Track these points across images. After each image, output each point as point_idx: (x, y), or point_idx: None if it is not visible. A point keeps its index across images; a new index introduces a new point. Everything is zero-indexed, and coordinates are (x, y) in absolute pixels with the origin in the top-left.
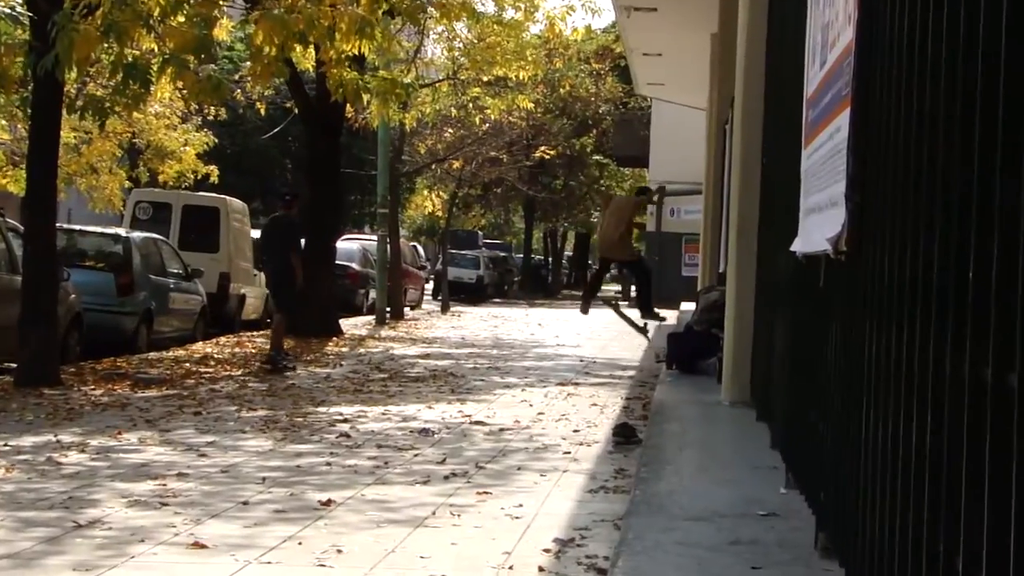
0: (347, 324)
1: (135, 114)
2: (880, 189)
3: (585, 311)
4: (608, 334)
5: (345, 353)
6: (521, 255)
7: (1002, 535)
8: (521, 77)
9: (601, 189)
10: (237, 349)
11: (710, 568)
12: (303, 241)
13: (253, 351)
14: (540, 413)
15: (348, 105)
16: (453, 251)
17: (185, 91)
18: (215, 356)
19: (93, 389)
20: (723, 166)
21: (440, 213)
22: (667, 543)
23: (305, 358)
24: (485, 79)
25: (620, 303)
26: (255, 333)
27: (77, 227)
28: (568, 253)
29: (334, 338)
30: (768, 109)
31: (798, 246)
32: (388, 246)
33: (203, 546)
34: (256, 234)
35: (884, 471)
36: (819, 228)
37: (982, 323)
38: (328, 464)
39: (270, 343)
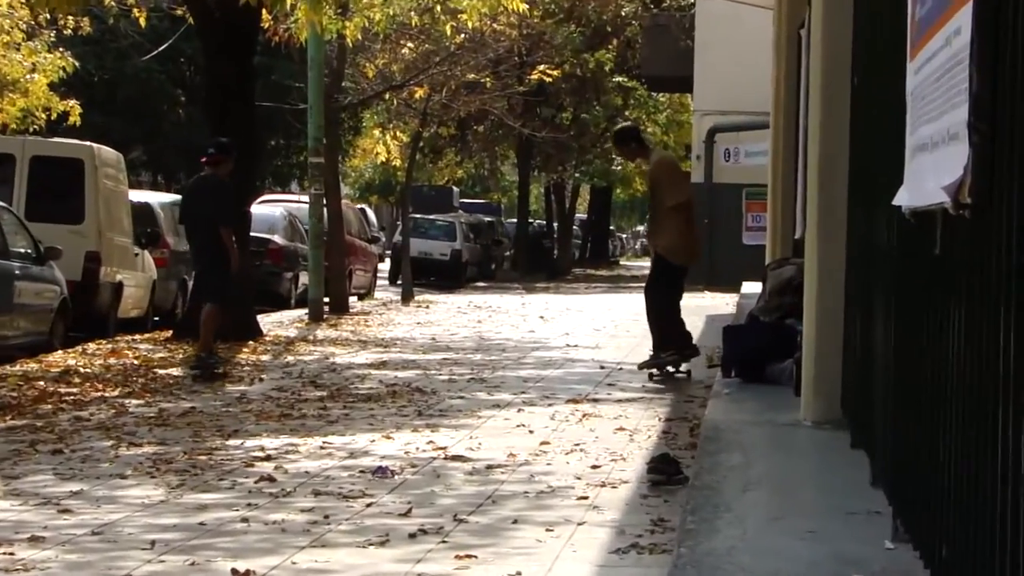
0: (268, 322)
1: None
2: (1019, 115)
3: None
4: (639, 330)
5: (267, 363)
6: (514, 220)
7: None
8: None
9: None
10: (113, 360)
11: None
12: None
13: (136, 362)
14: (544, 443)
15: (264, 11)
16: (417, 216)
17: None
18: (81, 370)
19: None
20: (798, 88)
21: (398, 162)
22: None
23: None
24: None
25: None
26: (139, 337)
27: None
28: (581, 216)
29: (250, 342)
30: (859, 6)
31: (904, 199)
32: (325, 211)
33: None
34: (138, 197)
35: None
36: (932, 172)
37: None
38: (244, 520)
39: (200, 341)
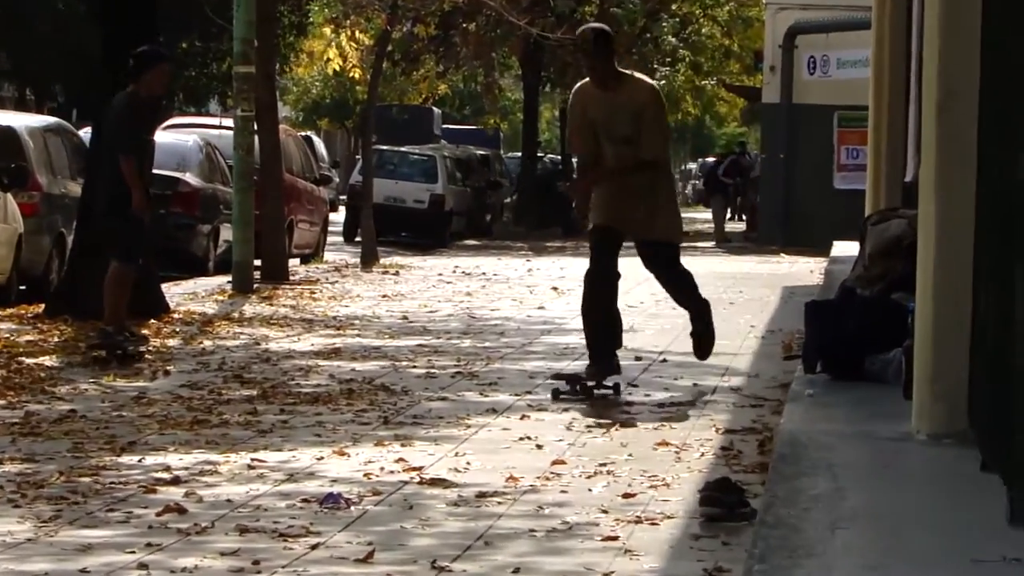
0: (177, 293)
1: None
2: None
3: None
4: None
5: (175, 350)
6: (518, 154)
7: None
8: None
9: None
10: None
11: None
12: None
13: None
14: (558, 463)
15: None
16: (384, 148)
17: None
18: None
19: None
20: None
21: (358, 73)
22: None
23: (94, 366)
24: None
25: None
26: (0, 312)
27: None
28: None
29: (152, 320)
30: None
31: None
32: (256, 140)
33: None
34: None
35: None
36: None
37: None
38: (143, 567)
39: (106, 311)
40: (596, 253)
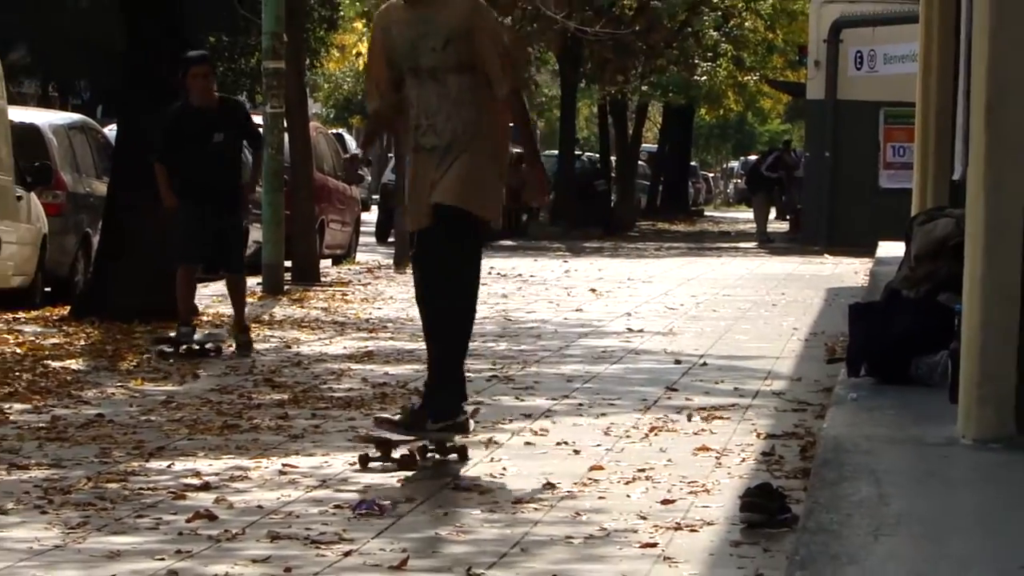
0: (205, 295)
1: None
2: None
3: None
4: (731, 309)
5: (209, 352)
6: (555, 152)
7: None
8: None
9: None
10: None
11: None
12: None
13: (19, 351)
14: (596, 468)
15: None
16: None
17: None
18: None
19: None
20: None
21: None
22: None
23: (123, 366)
24: None
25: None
26: (23, 315)
27: None
28: (650, 147)
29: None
30: None
31: None
32: (286, 138)
33: None
34: (21, 116)
35: None
36: None
37: None
38: (173, 574)
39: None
40: None
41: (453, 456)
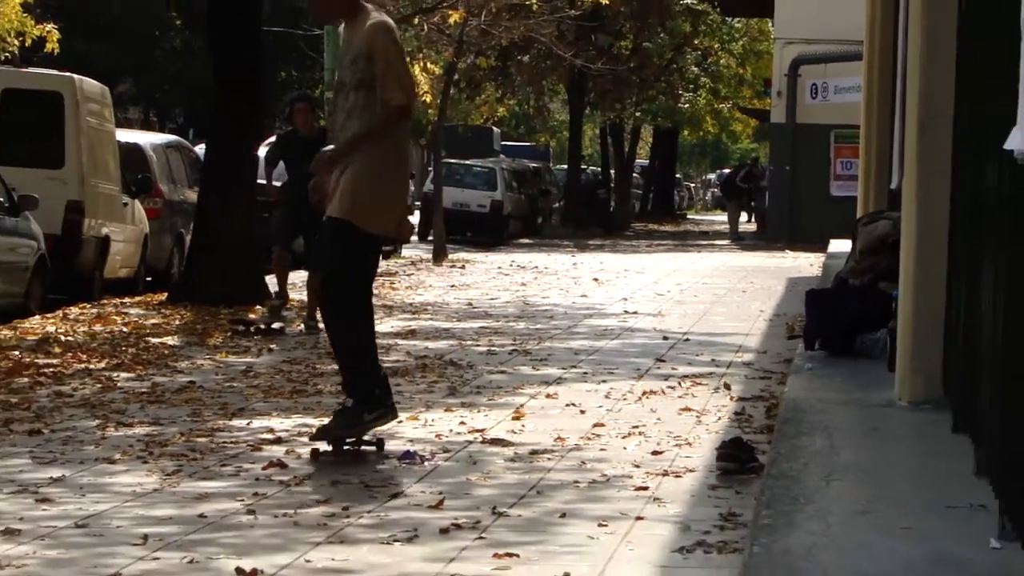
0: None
1: None
2: None
3: None
4: (709, 295)
5: (275, 331)
6: (565, 166)
7: None
8: None
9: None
10: (99, 327)
11: None
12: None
13: (125, 330)
14: (598, 425)
15: None
16: (452, 161)
17: None
18: (62, 339)
19: None
20: (896, 13)
21: (429, 98)
22: None
23: (211, 342)
24: None
25: None
26: (128, 300)
27: None
28: (643, 162)
29: (257, 306)
30: None
31: (1017, 142)
32: None
33: None
34: (127, 137)
35: None
36: None
37: None
38: (251, 512)
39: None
40: None
41: (371, 448)
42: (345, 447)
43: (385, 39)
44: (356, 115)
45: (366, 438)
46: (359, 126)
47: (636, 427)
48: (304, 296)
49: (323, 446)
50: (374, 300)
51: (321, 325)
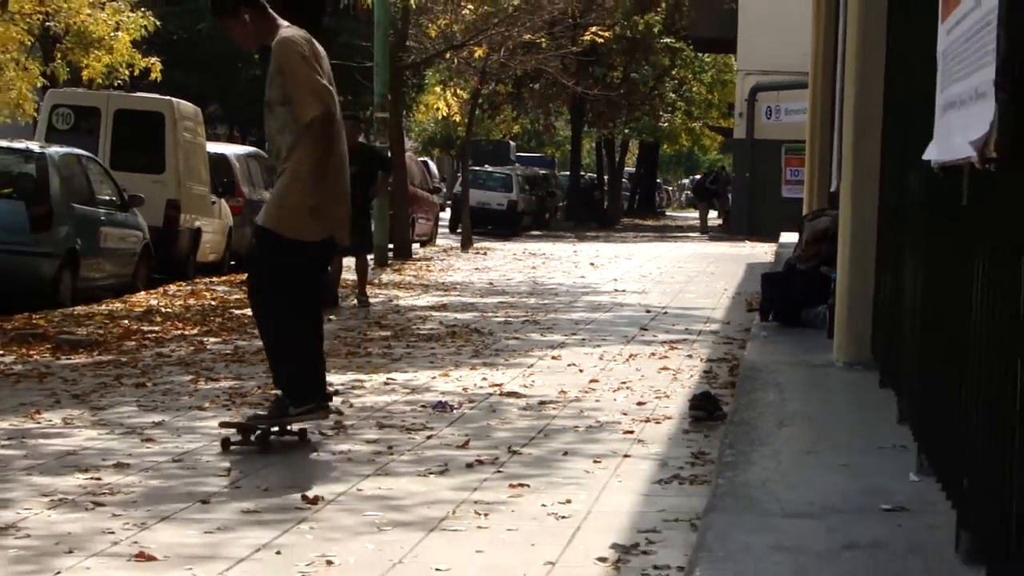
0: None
1: None
2: None
3: None
4: (683, 276)
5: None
6: (567, 173)
7: None
8: None
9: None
10: (192, 301)
11: None
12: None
13: (213, 303)
14: (593, 381)
15: None
16: (476, 168)
17: None
18: (163, 310)
19: (1, 355)
20: (835, 49)
21: (458, 118)
22: (759, 547)
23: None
24: None
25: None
26: (216, 279)
27: None
28: (630, 170)
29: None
30: None
31: (933, 153)
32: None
33: (151, 557)
34: (215, 149)
35: None
36: (960, 128)
37: None
38: (313, 451)
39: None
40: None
41: (292, 438)
42: (261, 435)
43: (287, 53)
44: (288, 130)
45: (291, 428)
46: (290, 139)
47: (624, 383)
48: (355, 278)
49: (234, 434)
50: (414, 280)
51: (372, 300)
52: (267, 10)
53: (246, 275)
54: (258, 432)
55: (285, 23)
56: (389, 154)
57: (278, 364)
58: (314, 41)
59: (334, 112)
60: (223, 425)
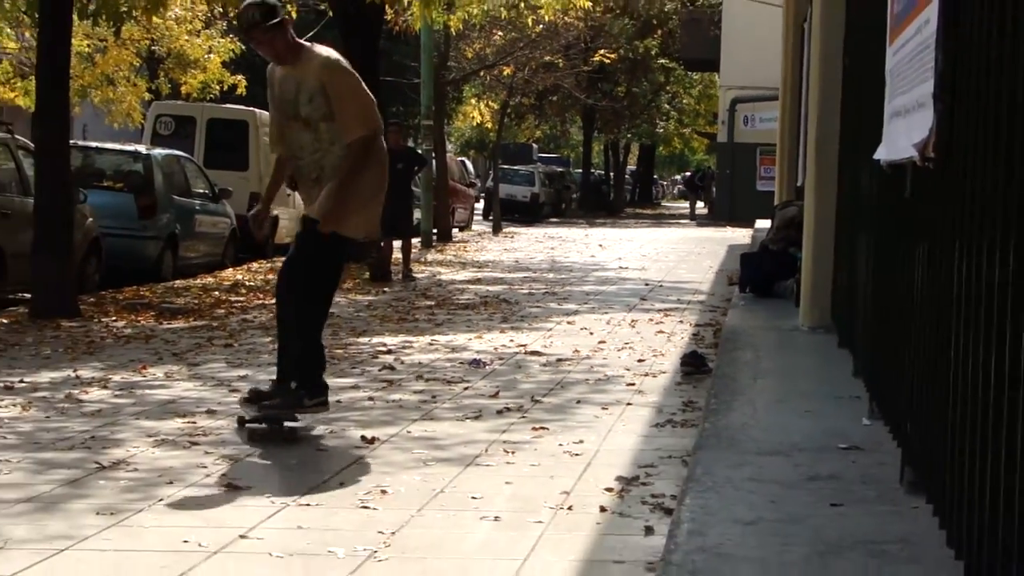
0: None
1: (154, 18)
2: (972, 88)
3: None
4: (676, 256)
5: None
6: (580, 170)
7: None
8: None
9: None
10: (270, 276)
11: (785, 506)
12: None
13: None
14: (601, 342)
15: (387, 6)
16: (505, 166)
17: None
18: (246, 284)
19: (114, 320)
20: (801, 68)
21: (490, 125)
22: (738, 479)
23: (344, 286)
24: None
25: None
26: None
27: (93, 144)
28: (632, 168)
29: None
30: (851, 4)
31: (882, 153)
32: (434, 161)
33: (237, 487)
34: None
35: (974, 403)
36: (905, 133)
37: None
38: (371, 399)
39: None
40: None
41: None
42: (276, 429)
43: (334, 75)
44: (335, 144)
45: (295, 421)
46: (339, 152)
47: (627, 343)
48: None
49: (251, 414)
50: (454, 259)
51: (416, 275)
52: (289, 29)
53: (283, 264)
54: (275, 426)
55: (313, 44)
56: (433, 155)
57: (298, 355)
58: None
59: (380, 132)
60: (243, 421)
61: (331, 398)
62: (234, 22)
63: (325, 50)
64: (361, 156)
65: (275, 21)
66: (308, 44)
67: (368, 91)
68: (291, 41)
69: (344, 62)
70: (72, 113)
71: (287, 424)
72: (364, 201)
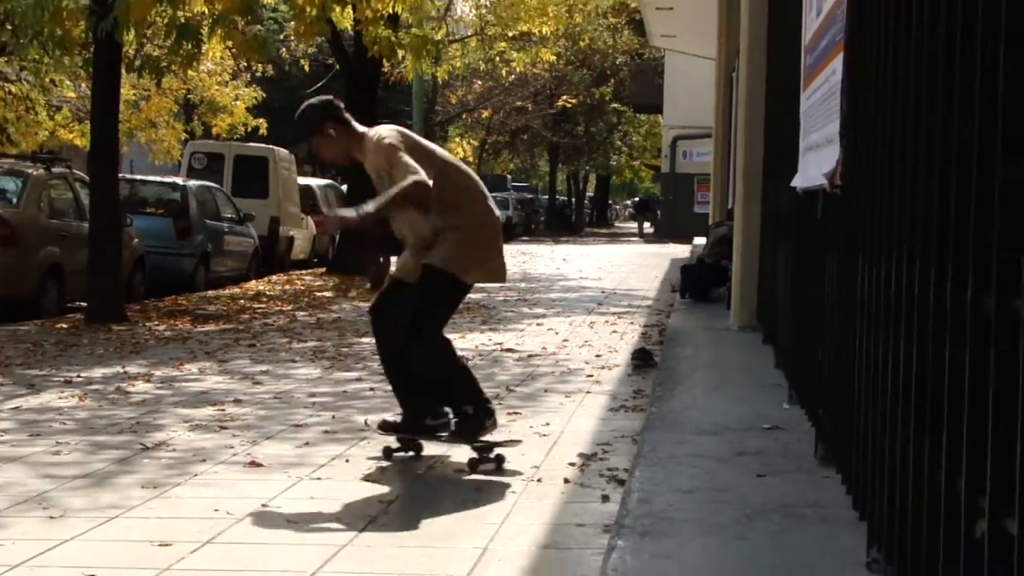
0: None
1: (189, 72)
2: (871, 128)
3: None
4: (627, 268)
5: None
6: (546, 196)
7: (981, 444)
8: (544, 32)
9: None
10: (287, 287)
11: (719, 477)
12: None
13: (301, 288)
14: (565, 340)
15: (384, 60)
16: None
17: (234, 49)
18: (267, 293)
19: (156, 325)
20: (731, 110)
21: (471, 159)
22: (680, 455)
23: (348, 295)
24: (510, 34)
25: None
26: (303, 272)
27: (138, 177)
28: (590, 194)
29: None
30: (771, 57)
31: (798, 182)
32: None
33: (259, 465)
34: (303, 181)
35: (874, 390)
36: (816, 164)
37: (961, 253)
38: (371, 389)
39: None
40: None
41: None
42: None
43: (381, 156)
44: (432, 212)
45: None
46: (440, 219)
47: (586, 341)
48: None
49: (465, 450)
50: None
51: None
52: (351, 123)
53: (374, 313)
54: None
55: (366, 129)
56: None
57: (461, 387)
58: (405, 131)
59: (426, 183)
60: (389, 453)
61: (339, 389)
62: (256, 73)
63: (370, 132)
64: (406, 193)
65: (338, 124)
66: (364, 131)
67: (410, 151)
68: (350, 130)
69: (382, 132)
70: (121, 151)
71: (497, 451)
72: (479, 248)
